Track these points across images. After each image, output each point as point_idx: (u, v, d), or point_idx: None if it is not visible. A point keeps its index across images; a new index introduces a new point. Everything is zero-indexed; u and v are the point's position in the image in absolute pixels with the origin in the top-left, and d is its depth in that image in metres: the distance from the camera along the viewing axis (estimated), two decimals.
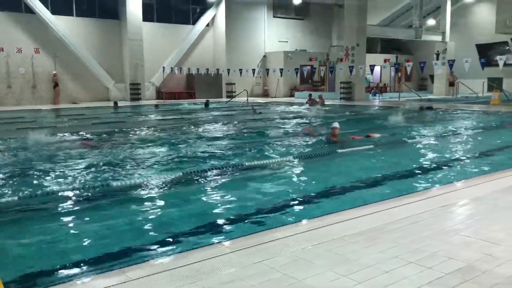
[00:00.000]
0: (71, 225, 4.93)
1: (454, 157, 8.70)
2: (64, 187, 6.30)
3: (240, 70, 26.59)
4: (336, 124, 9.84)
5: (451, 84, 28.85)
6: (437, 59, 30.26)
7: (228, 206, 5.56)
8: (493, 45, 29.41)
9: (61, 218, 5.13)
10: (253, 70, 27.27)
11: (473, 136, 11.67)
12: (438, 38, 31.68)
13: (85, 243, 4.34)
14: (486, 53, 28.74)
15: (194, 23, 29.69)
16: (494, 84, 26.90)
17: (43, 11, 24.02)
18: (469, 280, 3.05)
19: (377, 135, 10.94)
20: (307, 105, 22.14)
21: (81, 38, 25.51)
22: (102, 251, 4.07)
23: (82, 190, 6.12)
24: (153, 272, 3.24)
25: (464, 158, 8.69)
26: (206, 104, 22.73)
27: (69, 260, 3.92)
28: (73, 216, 5.18)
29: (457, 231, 4.03)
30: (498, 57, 18.67)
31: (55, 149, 9.64)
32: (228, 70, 27.86)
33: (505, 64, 19.38)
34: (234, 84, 29.80)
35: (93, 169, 7.52)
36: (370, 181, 6.67)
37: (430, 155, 9.09)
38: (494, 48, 29.34)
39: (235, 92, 29.32)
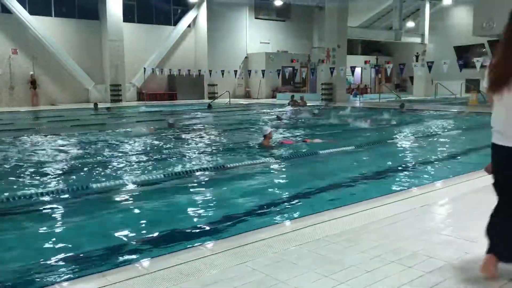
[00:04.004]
0: (48, 228, 4.83)
1: (432, 158, 8.82)
2: (43, 188, 6.20)
3: (222, 71, 26.54)
4: (270, 128, 9.52)
5: (398, 85, 29.15)
6: (417, 60, 30.71)
7: (210, 207, 5.54)
8: (471, 47, 29.98)
9: (37, 220, 5.04)
10: (235, 71, 27.25)
11: (450, 137, 11.86)
12: (417, 40, 32.17)
13: (63, 247, 4.26)
14: (464, 55, 29.28)
15: (175, 24, 29.55)
16: (472, 85, 27.41)
17: (21, 11, 23.60)
18: (448, 278, 3.09)
19: (316, 141, 10.49)
20: (289, 106, 22.22)
21: (60, 39, 25.13)
22: (81, 255, 4.01)
23: (58, 192, 6.01)
24: (134, 275, 3.20)
25: (442, 158, 8.82)
26: (209, 105, 22.73)
27: (47, 264, 3.85)
28: (50, 219, 5.09)
29: (437, 231, 4.08)
30: (475, 59, 19.04)
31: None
32: (210, 71, 27.78)
33: (482, 66, 19.73)
34: (216, 85, 29.73)
35: (74, 170, 7.41)
36: (351, 182, 6.72)
37: (408, 156, 9.22)
38: (472, 50, 29.91)
39: (217, 93, 29.25)
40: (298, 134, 12.08)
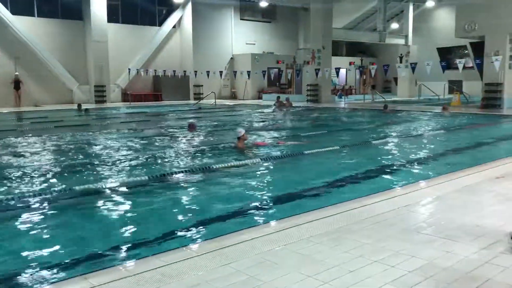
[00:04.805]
0: (28, 230, 4.76)
1: (415, 158, 8.91)
2: (23, 190, 6.11)
3: (208, 72, 26.48)
4: (243, 130, 9.41)
5: (373, 87, 29.54)
6: (401, 62, 31.02)
7: (194, 209, 5.52)
8: (453, 49, 30.38)
9: (17, 222, 4.96)
10: (221, 72, 27.21)
11: (432, 137, 11.99)
12: (401, 41, 32.50)
13: (45, 249, 4.20)
14: (447, 56, 29.65)
15: (160, 24, 29.41)
16: (455, 86, 27.78)
17: (3, 11, 23.26)
18: (430, 277, 3.13)
19: (290, 142, 10.51)
20: (275, 107, 22.27)
21: (44, 39, 24.81)
22: (63, 257, 3.96)
23: (40, 193, 5.94)
24: (116, 277, 3.17)
25: (425, 158, 8.92)
26: (200, 107, 22.77)
27: (28, 267, 3.79)
28: (31, 221, 5.01)
29: (419, 230, 4.13)
30: (457, 61, 19.29)
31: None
32: (195, 72, 27.70)
33: (464, 67, 20.05)
34: (202, 86, 29.66)
35: (55, 171, 7.33)
36: (334, 182, 6.76)
37: (391, 156, 9.30)
38: (454, 51, 30.31)
39: (202, 94, 29.20)
40: (273, 135, 12.05)
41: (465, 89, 28.22)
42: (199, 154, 9.06)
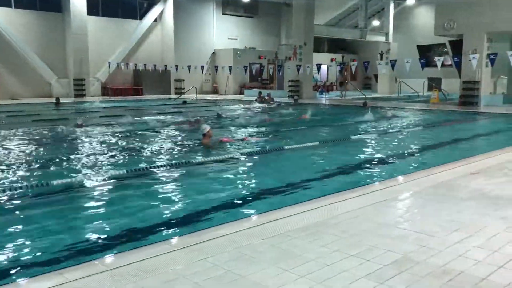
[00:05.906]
0: (3, 224, 4.68)
1: (393, 154, 9.03)
2: None
3: (189, 66, 26.31)
4: (208, 126, 9.31)
5: (342, 83, 29.93)
6: (381, 59, 31.33)
7: (172, 203, 5.49)
8: (432, 47, 30.78)
9: None
10: (202, 67, 27.06)
11: (410, 133, 12.15)
12: (382, 38, 32.83)
13: (20, 243, 4.14)
14: (426, 54, 30.03)
15: (141, 18, 29.06)
16: (434, 84, 28.19)
17: None
18: (404, 271, 3.18)
19: (255, 139, 10.51)
20: (257, 102, 22.28)
21: (21, 31, 24.28)
22: (38, 252, 3.90)
23: (15, 188, 5.84)
24: (92, 272, 3.14)
25: (402, 154, 9.04)
26: (184, 101, 22.61)
27: (2, 262, 3.73)
28: (6, 215, 4.93)
29: (395, 224, 4.19)
30: (436, 58, 19.56)
31: None
32: (177, 66, 27.48)
33: (443, 65, 20.32)
34: (183, 80, 29.46)
35: (31, 166, 7.21)
36: (313, 177, 6.80)
37: (369, 151, 9.40)
38: (434, 49, 30.72)
39: (184, 88, 29.01)
40: (247, 131, 11.98)
41: (444, 86, 28.64)
42: (169, 150, 8.98)
